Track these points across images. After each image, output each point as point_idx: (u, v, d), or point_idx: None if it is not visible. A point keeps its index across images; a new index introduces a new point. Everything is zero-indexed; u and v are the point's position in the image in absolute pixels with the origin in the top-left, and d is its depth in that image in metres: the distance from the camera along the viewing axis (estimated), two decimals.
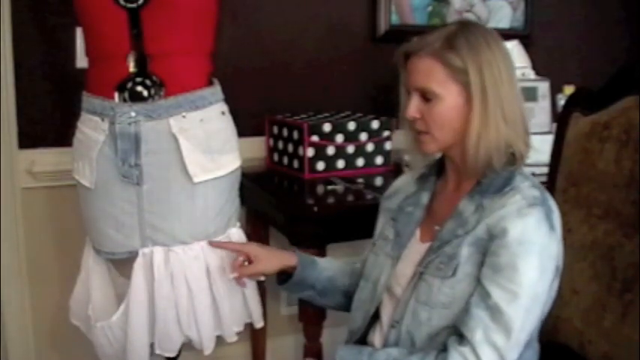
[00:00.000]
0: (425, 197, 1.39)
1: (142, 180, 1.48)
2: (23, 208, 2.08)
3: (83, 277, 1.66)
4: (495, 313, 1.18)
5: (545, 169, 1.60)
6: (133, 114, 1.45)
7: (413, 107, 1.28)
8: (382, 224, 1.45)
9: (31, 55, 2.03)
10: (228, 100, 1.60)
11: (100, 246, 1.58)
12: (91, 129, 1.51)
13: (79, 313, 1.66)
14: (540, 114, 2.25)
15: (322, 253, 1.77)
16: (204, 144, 1.49)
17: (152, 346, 1.58)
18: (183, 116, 1.46)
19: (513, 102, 1.26)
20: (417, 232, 1.37)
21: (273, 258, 1.51)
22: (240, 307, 1.62)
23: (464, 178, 1.31)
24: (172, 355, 1.61)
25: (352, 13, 2.39)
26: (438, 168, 1.40)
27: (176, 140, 1.46)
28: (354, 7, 2.40)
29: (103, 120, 1.48)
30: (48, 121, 2.05)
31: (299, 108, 2.27)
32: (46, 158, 2.06)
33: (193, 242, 1.51)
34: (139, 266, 1.51)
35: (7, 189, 2.03)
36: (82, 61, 1.95)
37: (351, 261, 1.56)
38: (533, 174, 2.00)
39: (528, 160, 2.13)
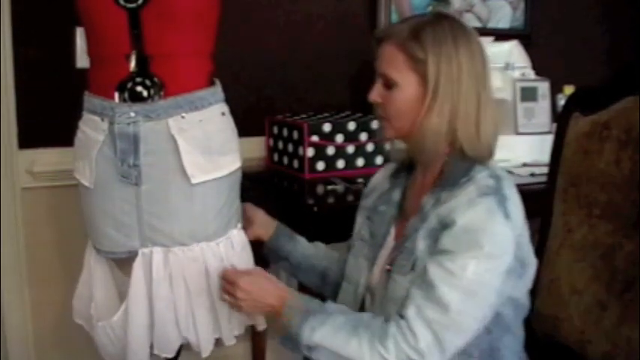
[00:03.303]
0: (397, 194, 1.40)
1: (141, 180, 1.48)
2: (23, 208, 2.08)
3: (85, 276, 1.66)
4: (429, 288, 1.18)
5: (545, 169, 1.60)
6: (132, 114, 1.45)
7: (375, 91, 1.33)
8: (359, 224, 1.47)
9: (31, 55, 2.03)
10: (228, 100, 1.60)
11: (100, 245, 1.58)
12: (91, 129, 1.51)
13: (82, 312, 1.66)
14: (540, 114, 2.25)
15: None
16: (203, 145, 1.48)
17: (152, 346, 1.58)
18: (183, 117, 1.46)
19: (470, 101, 1.25)
20: (392, 231, 1.37)
21: (262, 225, 1.61)
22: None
23: (428, 172, 1.32)
24: (171, 355, 1.61)
25: (352, 13, 2.40)
26: (409, 163, 1.40)
27: (175, 141, 1.46)
28: (354, 7, 2.40)
29: (102, 120, 1.47)
30: (48, 121, 2.05)
31: (299, 108, 2.27)
32: (46, 158, 2.05)
33: (192, 243, 1.50)
34: (138, 266, 1.51)
35: (7, 189, 2.03)
36: (82, 61, 1.95)
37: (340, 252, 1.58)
38: (533, 174, 2.02)
39: (528, 160, 2.14)
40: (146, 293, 1.51)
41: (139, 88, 1.45)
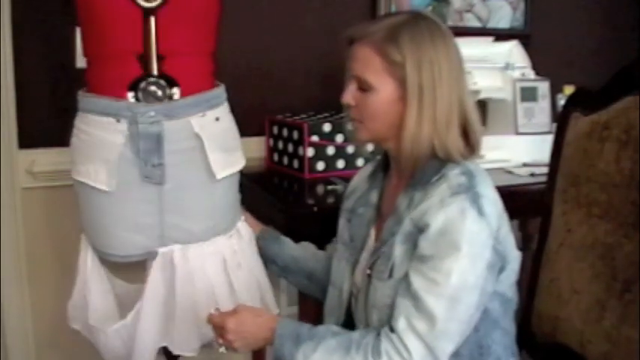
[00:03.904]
0: (374, 196, 1.38)
1: (164, 180, 1.47)
2: (23, 208, 2.07)
3: (80, 284, 1.62)
4: (416, 301, 1.17)
5: (545, 169, 1.59)
6: (152, 114, 1.44)
7: (348, 94, 1.28)
8: (341, 227, 1.46)
9: (31, 55, 2.03)
10: (228, 99, 1.60)
11: (112, 249, 1.54)
12: (102, 130, 1.47)
13: (79, 318, 1.64)
14: (540, 114, 2.25)
15: None
16: (220, 141, 1.51)
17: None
18: (203, 115, 1.48)
19: (451, 104, 1.23)
20: (372, 233, 1.36)
21: (250, 226, 1.61)
22: (257, 300, 1.61)
23: (404, 172, 1.30)
24: (193, 355, 1.59)
25: (352, 13, 2.39)
26: (385, 163, 1.39)
27: (198, 138, 1.47)
28: (354, 7, 2.40)
29: (118, 121, 1.45)
30: (48, 121, 2.05)
31: (299, 108, 2.27)
32: (46, 158, 2.05)
33: (211, 238, 1.51)
34: (157, 266, 1.50)
35: (7, 189, 2.03)
36: (82, 61, 1.94)
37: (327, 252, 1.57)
38: (533, 174, 2.02)
39: (528, 160, 2.14)
40: (164, 293, 1.51)
41: (153, 88, 1.45)
